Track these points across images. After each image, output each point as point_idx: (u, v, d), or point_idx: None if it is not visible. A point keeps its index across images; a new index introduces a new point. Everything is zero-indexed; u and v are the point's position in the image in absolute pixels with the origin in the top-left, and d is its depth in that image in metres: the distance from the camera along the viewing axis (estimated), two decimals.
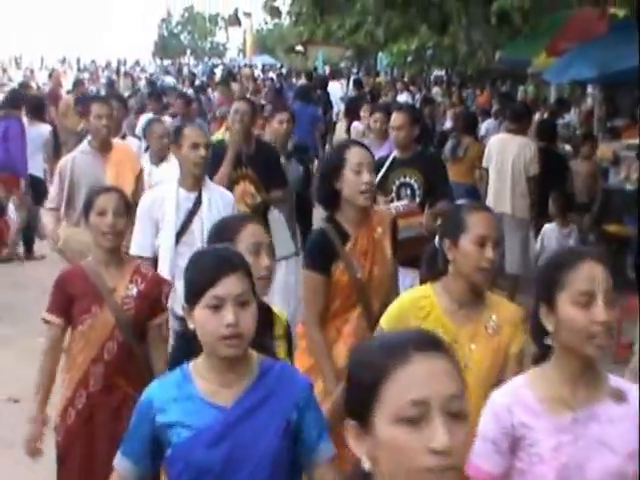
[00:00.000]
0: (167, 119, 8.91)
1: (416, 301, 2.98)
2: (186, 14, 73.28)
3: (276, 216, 5.90)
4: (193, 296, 2.21)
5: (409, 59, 22.64)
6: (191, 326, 2.22)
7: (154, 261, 4.45)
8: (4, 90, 19.03)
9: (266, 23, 54.46)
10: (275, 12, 14.36)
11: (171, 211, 4.40)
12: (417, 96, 20.38)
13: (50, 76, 19.28)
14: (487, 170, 8.17)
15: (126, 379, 3.52)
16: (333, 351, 3.65)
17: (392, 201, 5.44)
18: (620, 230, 9.01)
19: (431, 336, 1.47)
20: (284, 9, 15.31)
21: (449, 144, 9.25)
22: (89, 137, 5.83)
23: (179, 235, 4.43)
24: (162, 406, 2.21)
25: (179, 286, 3.90)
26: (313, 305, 3.64)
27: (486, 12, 8.96)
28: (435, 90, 21.84)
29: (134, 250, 4.40)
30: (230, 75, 21.98)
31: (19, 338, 6.94)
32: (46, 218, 5.50)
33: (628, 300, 7.11)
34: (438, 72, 27.28)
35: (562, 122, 12.99)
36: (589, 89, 14.98)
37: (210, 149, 4.78)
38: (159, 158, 6.53)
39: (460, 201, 3.36)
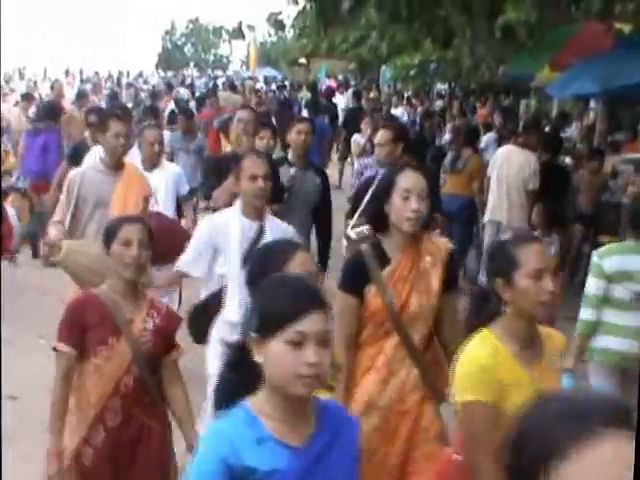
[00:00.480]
0: (166, 133, 8.91)
1: (487, 358, 2.74)
2: (190, 26, 73.53)
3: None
4: (270, 328, 2.04)
5: (412, 73, 22.64)
6: (258, 359, 2.07)
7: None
8: (7, 100, 19.08)
9: (270, 36, 54.65)
10: (279, 25, 14.38)
11: (236, 239, 4.31)
12: (419, 109, 20.47)
13: (52, 87, 19.27)
14: (489, 179, 8.40)
15: (143, 409, 3.45)
16: (363, 380, 3.55)
17: None
18: (614, 241, 8.98)
19: (621, 407, 1.22)
20: (288, 22, 15.39)
21: (449, 156, 9.35)
22: (102, 153, 5.61)
23: (244, 261, 4.25)
24: (238, 448, 2.03)
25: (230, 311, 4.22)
26: (343, 327, 3.51)
27: (491, 26, 8.98)
28: (438, 103, 21.88)
29: (183, 266, 4.43)
30: (231, 87, 22.00)
31: (18, 337, 6.98)
32: (51, 230, 5.34)
33: None
34: (441, 85, 27.34)
35: (563, 136, 13.02)
36: (591, 104, 15.00)
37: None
38: (151, 164, 6.46)
39: (503, 235, 3.02)
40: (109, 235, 3.48)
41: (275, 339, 2.02)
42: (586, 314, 4.68)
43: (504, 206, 8.28)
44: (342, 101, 20.44)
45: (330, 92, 19.96)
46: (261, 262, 2.73)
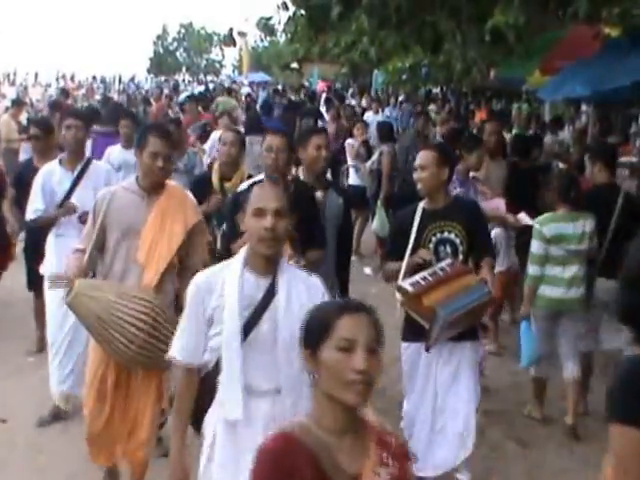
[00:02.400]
0: None
1: None
2: (182, 31, 73.48)
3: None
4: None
5: (404, 77, 22.63)
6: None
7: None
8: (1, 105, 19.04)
9: (262, 40, 54.68)
10: (269, 30, 14.38)
11: (234, 302, 3.09)
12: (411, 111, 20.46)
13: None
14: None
15: None
16: None
17: (431, 263, 4.63)
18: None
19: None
20: (279, 27, 15.40)
21: None
22: (136, 172, 4.60)
23: (245, 334, 3.13)
24: None
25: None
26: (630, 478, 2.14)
27: (480, 31, 8.97)
28: (431, 107, 21.88)
29: (178, 354, 3.23)
30: (228, 91, 22.03)
31: (7, 356, 6.89)
32: (69, 260, 4.46)
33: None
34: (433, 89, 27.34)
35: (556, 140, 13.04)
36: (583, 107, 15.02)
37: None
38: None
39: None
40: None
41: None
42: (532, 270, 5.90)
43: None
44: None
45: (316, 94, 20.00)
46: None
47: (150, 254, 4.33)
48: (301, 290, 3.14)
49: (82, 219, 5.52)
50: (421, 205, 4.81)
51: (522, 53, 10.10)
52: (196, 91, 31.42)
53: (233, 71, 61.90)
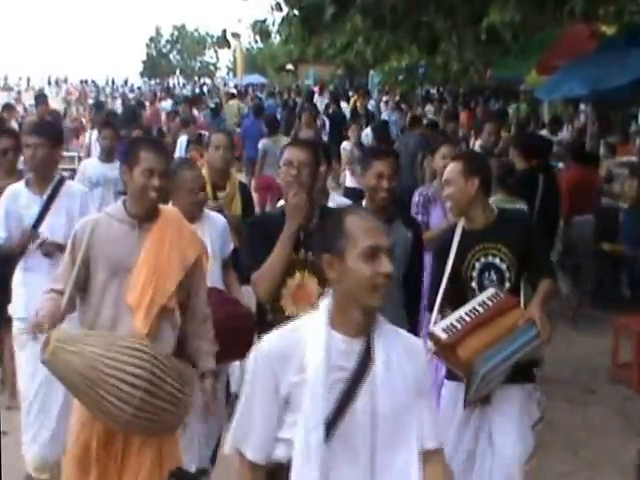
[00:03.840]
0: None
1: None
2: (175, 33, 73.42)
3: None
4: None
5: (400, 77, 22.57)
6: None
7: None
8: None
9: (256, 42, 54.60)
10: (264, 34, 14.26)
11: (320, 374, 2.35)
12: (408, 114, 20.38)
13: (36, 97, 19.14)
14: None
15: None
16: None
17: (473, 294, 3.96)
18: (615, 248, 8.94)
19: None
20: (273, 28, 15.25)
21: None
22: (123, 196, 3.86)
23: (332, 423, 2.35)
24: None
25: None
26: None
27: (476, 30, 8.88)
28: (427, 108, 21.82)
29: (240, 447, 2.47)
30: (232, 95, 21.91)
31: None
32: (44, 304, 3.64)
33: (623, 318, 7.06)
34: (430, 90, 27.28)
35: (555, 139, 12.96)
36: (582, 106, 14.94)
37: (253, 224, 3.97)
38: (190, 216, 5.92)
39: None
40: None
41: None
42: None
43: None
44: (321, 102, 20.45)
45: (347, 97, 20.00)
46: None
47: (142, 296, 3.58)
48: (401, 354, 2.45)
49: (44, 250, 4.81)
50: (461, 224, 4.12)
51: (518, 52, 10.02)
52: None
53: (227, 73, 61.87)
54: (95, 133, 11.01)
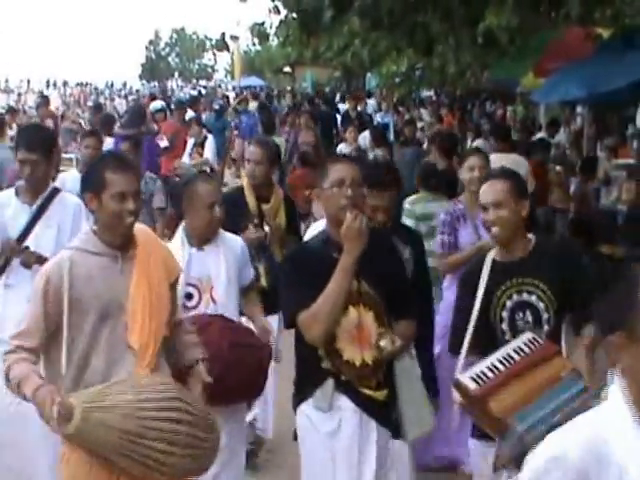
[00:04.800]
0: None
1: None
2: (174, 36, 73.48)
3: (409, 366, 3.61)
4: None
5: (397, 80, 22.57)
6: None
7: None
8: None
9: (254, 44, 54.59)
10: (263, 36, 14.30)
11: None
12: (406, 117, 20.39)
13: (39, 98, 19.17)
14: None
15: None
16: None
17: (503, 337, 3.44)
18: (614, 251, 8.92)
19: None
20: (271, 31, 15.30)
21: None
22: (94, 224, 3.33)
23: None
24: None
25: None
26: None
27: (472, 33, 8.90)
28: (422, 111, 21.82)
29: None
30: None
31: None
32: (15, 369, 3.05)
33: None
34: (427, 92, 27.29)
35: (552, 142, 12.96)
36: (578, 109, 14.94)
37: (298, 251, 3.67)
38: (204, 238, 4.93)
39: None
40: None
41: None
42: None
43: None
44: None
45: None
46: None
47: (146, 336, 3.15)
48: None
49: (23, 259, 4.37)
50: (490, 256, 3.56)
51: (515, 55, 10.03)
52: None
53: (225, 76, 61.81)
54: None
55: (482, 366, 3.18)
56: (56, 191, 4.61)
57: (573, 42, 10.80)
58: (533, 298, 3.45)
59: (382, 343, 3.37)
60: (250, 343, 3.94)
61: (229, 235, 4.30)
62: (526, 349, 3.21)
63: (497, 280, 3.47)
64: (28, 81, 41.70)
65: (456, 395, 3.24)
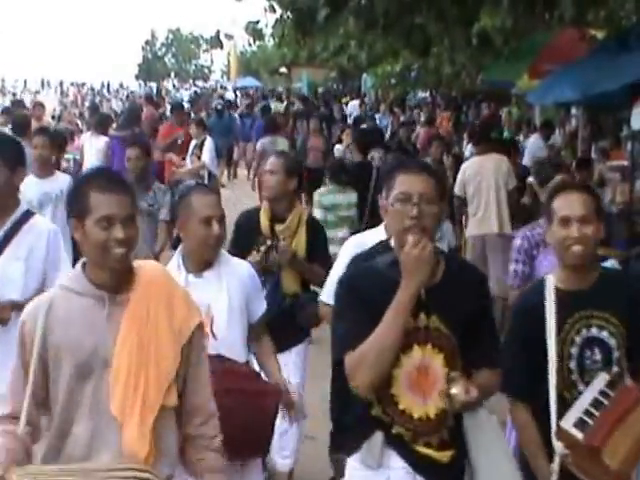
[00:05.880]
0: None
1: None
2: (170, 36, 73.47)
3: (485, 423, 2.88)
4: None
5: (393, 81, 22.57)
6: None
7: None
8: None
9: (250, 45, 54.61)
10: (258, 35, 14.27)
11: None
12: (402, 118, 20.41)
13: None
14: (463, 199, 8.26)
15: None
16: None
17: (570, 378, 3.01)
18: (610, 252, 8.92)
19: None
20: (267, 31, 15.25)
21: None
22: (82, 259, 2.67)
23: None
24: None
25: None
26: None
27: (467, 34, 8.90)
28: (417, 112, 21.86)
29: None
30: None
31: None
32: None
33: None
34: (422, 94, 27.30)
35: (547, 144, 12.97)
36: (573, 110, 14.95)
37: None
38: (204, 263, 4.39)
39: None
40: None
41: None
42: None
43: (493, 215, 8.14)
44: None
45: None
46: None
47: (130, 401, 2.52)
48: None
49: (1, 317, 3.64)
50: (551, 283, 3.09)
51: (510, 56, 10.03)
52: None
53: (222, 76, 61.83)
54: (89, 135, 11.06)
55: (577, 411, 2.84)
56: (28, 214, 3.89)
57: (567, 44, 10.81)
58: (604, 334, 3.02)
59: (453, 391, 2.69)
60: (254, 389, 3.37)
61: (235, 259, 3.70)
62: (610, 392, 2.88)
63: (563, 312, 3.02)
64: (25, 81, 41.65)
65: (559, 446, 2.87)
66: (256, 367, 3.80)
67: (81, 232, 2.57)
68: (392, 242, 2.93)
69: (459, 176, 8.40)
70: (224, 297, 3.48)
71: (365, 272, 2.89)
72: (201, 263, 3.51)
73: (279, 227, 4.58)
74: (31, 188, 5.96)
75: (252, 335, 3.69)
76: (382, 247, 2.99)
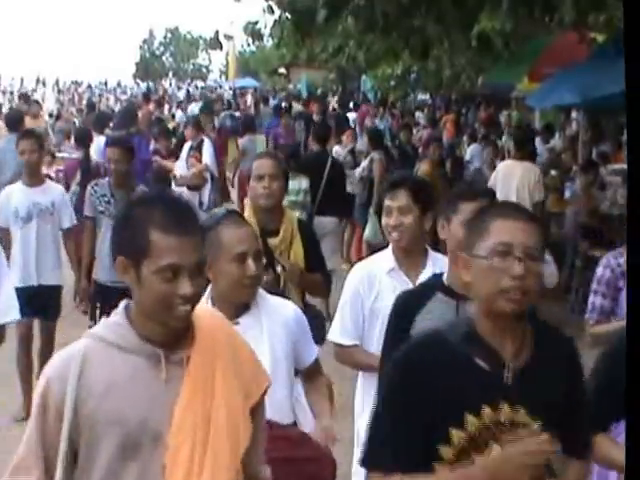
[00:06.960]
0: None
1: None
2: (168, 35, 73.45)
3: None
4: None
5: (392, 83, 22.53)
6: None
7: None
8: None
9: (249, 45, 54.56)
10: (257, 35, 14.23)
11: None
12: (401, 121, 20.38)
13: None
14: None
15: None
16: None
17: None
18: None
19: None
20: (266, 31, 15.19)
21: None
22: (126, 301, 2.17)
23: None
24: None
25: None
26: None
27: (467, 36, 8.85)
28: (418, 114, 21.83)
29: None
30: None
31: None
32: None
33: None
34: (422, 96, 27.28)
35: (547, 147, 12.95)
36: (573, 114, 14.92)
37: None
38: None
39: None
40: None
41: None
42: None
43: None
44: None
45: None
46: None
47: None
48: None
49: None
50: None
51: (510, 59, 9.99)
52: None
53: (220, 76, 61.78)
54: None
55: None
56: None
57: (568, 47, 10.79)
58: None
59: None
60: (305, 456, 2.86)
61: (276, 300, 3.11)
62: None
63: None
64: (22, 79, 41.57)
65: None
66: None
67: (134, 277, 2.04)
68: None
69: (493, 174, 8.67)
70: (266, 348, 2.88)
71: (426, 347, 2.19)
72: (235, 308, 2.93)
73: (273, 241, 3.99)
74: (19, 197, 5.82)
75: (305, 378, 3.21)
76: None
